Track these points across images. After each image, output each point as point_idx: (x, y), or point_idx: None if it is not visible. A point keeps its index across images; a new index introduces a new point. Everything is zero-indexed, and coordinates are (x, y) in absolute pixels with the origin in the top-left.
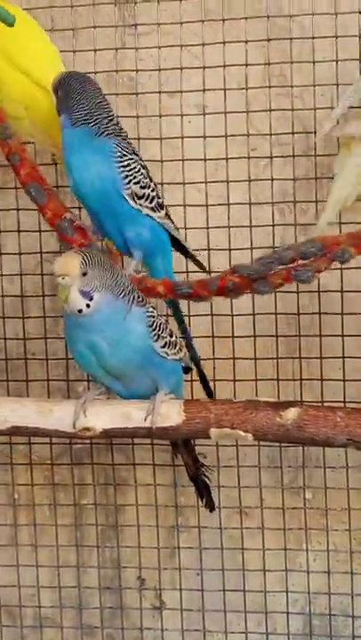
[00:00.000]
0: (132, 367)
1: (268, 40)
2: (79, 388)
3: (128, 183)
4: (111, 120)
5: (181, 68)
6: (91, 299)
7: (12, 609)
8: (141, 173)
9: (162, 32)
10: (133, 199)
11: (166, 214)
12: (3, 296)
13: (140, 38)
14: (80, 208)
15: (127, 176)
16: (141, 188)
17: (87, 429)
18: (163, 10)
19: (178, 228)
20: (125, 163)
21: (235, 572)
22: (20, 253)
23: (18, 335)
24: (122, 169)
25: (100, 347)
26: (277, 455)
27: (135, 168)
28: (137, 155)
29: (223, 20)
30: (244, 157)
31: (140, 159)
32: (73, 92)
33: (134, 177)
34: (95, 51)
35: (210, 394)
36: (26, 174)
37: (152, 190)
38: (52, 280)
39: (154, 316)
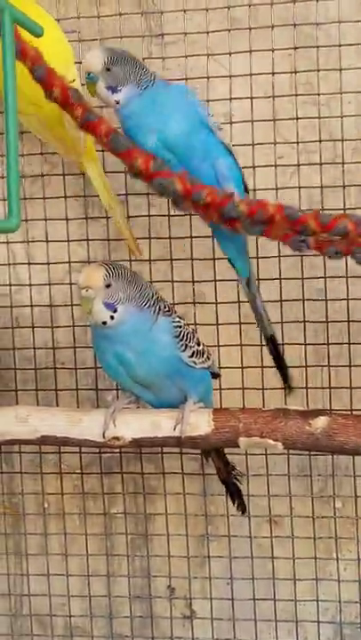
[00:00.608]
0: (161, 377)
1: (295, 48)
2: (108, 397)
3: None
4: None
5: (208, 77)
6: (115, 310)
7: (42, 618)
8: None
9: (188, 41)
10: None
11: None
12: (32, 306)
13: (166, 48)
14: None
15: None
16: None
17: (116, 439)
18: (189, 19)
19: None
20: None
21: (265, 581)
22: (49, 263)
23: (47, 345)
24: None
25: (128, 358)
26: (307, 464)
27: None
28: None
29: (250, 29)
30: (271, 165)
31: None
32: (130, 63)
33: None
34: None
35: (284, 375)
36: (107, 127)
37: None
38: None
39: (181, 326)
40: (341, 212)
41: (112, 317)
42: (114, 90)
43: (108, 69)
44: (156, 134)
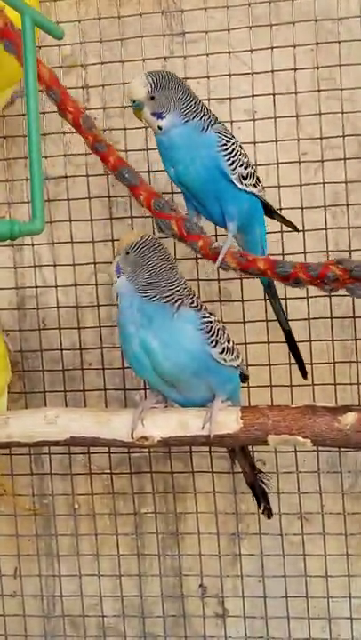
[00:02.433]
0: (188, 373)
1: (317, 44)
2: (136, 396)
3: (235, 168)
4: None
5: (230, 75)
6: (119, 276)
7: (75, 619)
8: (241, 154)
9: (209, 39)
10: (240, 181)
11: (262, 186)
12: (58, 307)
13: (187, 46)
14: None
15: (233, 162)
16: (245, 168)
17: (145, 438)
18: (210, 17)
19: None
20: (230, 149)
21: (297, 579)
22: (75, 264)
23: (74, 346)
24: (228, 156)
25: (151, 346)
26: (337, 460)
27: (237, 151)
28: (233, 136)
29: (271, 26)
30: (295, 162)
31: (234, 137)
32: (174, 87)
33: (238, 160)
34: (143, 60)
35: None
36: (115, 159)
37: (252, 167)
38: (107, 290)
39: (211, 322)
40: None
41: (116, 281)
42: (159, 116)
43: (153, 97)
44: (174, 168)
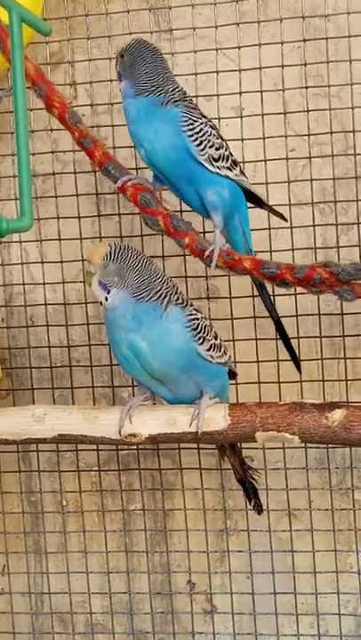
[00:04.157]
0: (177, 370)
1: (304, 41)
2: (124, 394)
3: (203, 149)
4: (176, 89)
5: (217, 72)
6: (108, 292)
7: (63, 616)
8: (213, 134)
9: (197, 36)
10: (211, 163)
11: (241, 170)
12: (46, 304)
13: (175, 43)
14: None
15: (201, 142)
16: (216, 149)
17: (133, 435)
18: (197, 14)
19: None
20: (197, 129)
21: (285, 575)
22: (62, 262)
23: (62, 343)
24: (194, 135)
25: (140, 347)
26: (325, 456)
27: (207, 132)
28: (205, 117)
29: (258, 22)
30: (283, 159)
31: (209, 120)
32: (142, 61)
33: (208, 140)
34: None
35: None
36: (101, 154)
37: (225, 150)
38: None
39: (198, 318)
40: (355, 203)
41: (106, 299)
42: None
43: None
44: (143, 149)
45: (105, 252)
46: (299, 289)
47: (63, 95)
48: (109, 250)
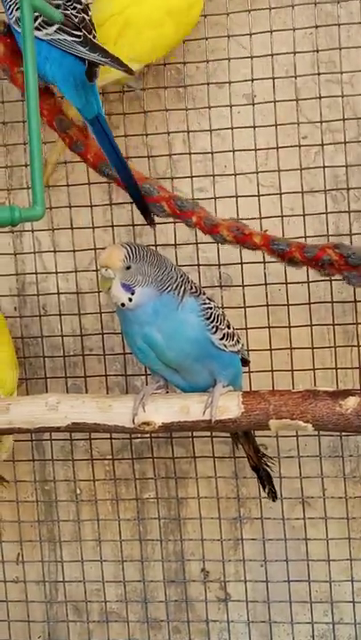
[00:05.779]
0: (191, 359)
1: (316, 27)
2: (137, 382)
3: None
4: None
5: (229, 59)
6: (132, 292)
7: (78, 604)
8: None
9: (209, 23)
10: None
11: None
12: (59, 293)
13: None
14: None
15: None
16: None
17: (146, 424)
18: (209, 1)
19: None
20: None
21: (299, 563)
22: (75, 250)
23: (75, 332)
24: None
25: (156, 340)
26: (338, 444)
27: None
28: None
29: (270, 9)
30: (295, 146)
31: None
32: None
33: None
34: None
35: None
36: (93, 156)
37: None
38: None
39: (211, 308)
40: None
41: (130, 299)
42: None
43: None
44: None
45: (124, 255)
46: (312, 276)
47: (56, 101)
48: (127, 251)
